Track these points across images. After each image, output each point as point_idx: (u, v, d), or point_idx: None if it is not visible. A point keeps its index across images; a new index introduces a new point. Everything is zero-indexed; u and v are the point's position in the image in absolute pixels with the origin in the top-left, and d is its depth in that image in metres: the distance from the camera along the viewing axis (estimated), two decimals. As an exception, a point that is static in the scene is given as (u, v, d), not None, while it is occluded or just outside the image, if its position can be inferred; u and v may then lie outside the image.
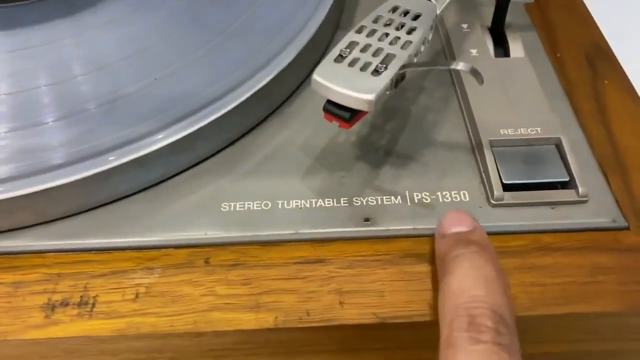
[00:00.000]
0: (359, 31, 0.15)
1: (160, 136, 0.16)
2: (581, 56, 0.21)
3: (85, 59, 0.18)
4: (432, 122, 0.19)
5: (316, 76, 0.14)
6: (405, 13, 0.16)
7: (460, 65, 0.14)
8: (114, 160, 0.16)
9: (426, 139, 0.18)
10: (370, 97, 0.14)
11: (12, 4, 0.20)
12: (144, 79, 0.17)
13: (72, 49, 0.19)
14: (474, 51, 0.20)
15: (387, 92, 0.14)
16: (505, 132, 0.17)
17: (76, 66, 0.18)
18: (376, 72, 0.14)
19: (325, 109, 0.15)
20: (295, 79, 0.19)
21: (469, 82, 0.19)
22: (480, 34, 0.21)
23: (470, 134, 0.18)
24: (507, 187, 0.17)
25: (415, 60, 0.15)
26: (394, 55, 0.14)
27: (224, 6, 0.20)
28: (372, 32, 0.15)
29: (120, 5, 0.20)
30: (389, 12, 0.16)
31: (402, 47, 0.15)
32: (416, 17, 0.16)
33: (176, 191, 0.17)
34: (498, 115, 0.18)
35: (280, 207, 0.17)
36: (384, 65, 0.14)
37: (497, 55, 0.20)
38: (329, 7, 0.20)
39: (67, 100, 0.17)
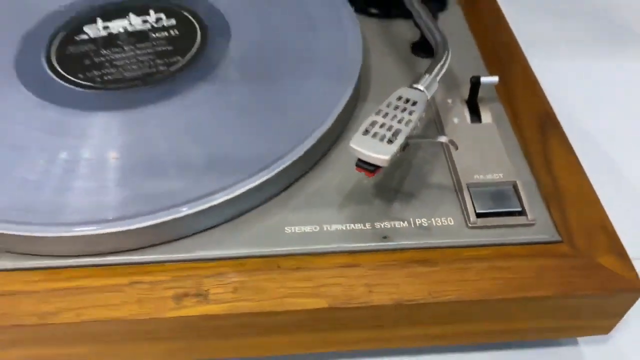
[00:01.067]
0: (377, 113, 0.23)
1: (250, 183, 0.24)
2: (534, 121, 0.29)
3: (181, 131, 0.27)
4: (427, 170, 0.27)
5: (352, 144, 0.22)
6: (407, 100, 0.24)
7: (442, 139, 0.23)
8: (216, 200, 0.23)
9: (423, 182, 0.26)
10: (386, 158, 0.22)
11: (127, 89, 0.28)
12: (230, 143, 0.25)
13: (173, 123, 0.27)
14: (455, 120, 0.28)
15: (397, 155, 0.22)
16: (478, 177, 0.25)
17: (176, 136, 0.26)
18: (389, 141, 0.22)
19: (357, 165, 0.23)
20: (329, 143, 0.27)
21: (452, 145, 0.27)
22: (460, 106, 0.29)
23: (454, 178, 0.26)
24: (479, 215, 0.24)
25: (414, 132, 0.23)
26: (400, 130, 0.22)
27: (277, 89, 0.28)
28: (386, 115, 0.23)
29: (200, 91, 0.28)
30: (397, 99, 0.24)
31: (405, 124, 0.23)
32: (414, 103, 0.24)
33: (254, 219, 0.25)
34: (473, 165, 0.26)
35: (325, 229, 0.24)
36: (395, 137, 0.22)
37: (472, 121, 0.28)
38: (351, 93, 0.28)
39: (177, 160, 0.25)
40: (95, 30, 0.31)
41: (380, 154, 0.22)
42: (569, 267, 0.23)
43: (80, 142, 0.26)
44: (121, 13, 0.32)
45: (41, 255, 0.23)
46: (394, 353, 0.27)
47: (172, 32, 0.31)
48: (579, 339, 0.27)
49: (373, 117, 0.23)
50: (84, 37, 0.31)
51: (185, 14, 0.32)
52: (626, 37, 0.45)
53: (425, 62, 0.31)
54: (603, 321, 0.24)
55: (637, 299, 0.23)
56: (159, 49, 0.30)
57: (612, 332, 0.25)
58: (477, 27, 0.35)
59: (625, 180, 0.34)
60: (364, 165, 0.22)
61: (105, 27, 0.32)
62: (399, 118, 0.23)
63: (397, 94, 0.24)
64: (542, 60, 0.36)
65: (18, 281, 0.23)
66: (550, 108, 0.30)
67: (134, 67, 0.29)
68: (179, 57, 0.30)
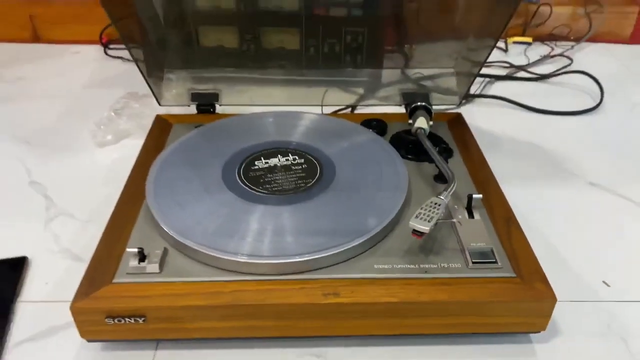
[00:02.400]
0: (421, 208, 0.48)
1: (358, 241, 0.47)
2: (502, 219, 0.53)
3: (317, 216, 0.51)
4: (444, 237, 0.50)
5: (411, 222, 0.46)
6: (435, 203, 0.48)
7: (454, 220, 0.47)
8: (340, 249, 0.47)
9: (444, 245, 0.49)
10: (427, 229, 0.46)
11: (286, 195, 0.53)
12: (342, 221, 0.50)
13: (312, 212, 0.51)
14: (460, 216, 0.52)
15: (432, 228, 0.46)
16: (473, 244, 0.49)
17: (315, 218, 0.50)
18: (428, 221, 0.46)
19: (412, 232, 0.47)
20: (394, 224, 0.51)
21: (463, 231, 0.51)
22: (462, 209, 0.53)
23: (460, 243, 0.49)
24: (474, 262, 0.47)
25: (440, 218, 0.47)
26: (433, 217, 0.47)
27: (366, 195, 0.53)
28: (426, 209, 0.48)
29: (324, 196, 0.53)
30: (431, 202, 0.48)
31: (435, 214, 0.47)
32: (439, 205, 0.48)
33: (359, 260, 0.48)
34: (469, 238, 0.50)
35: (394, 266, 0.47)
36: (431, 220, 0.46)
37: (469, 218, 0.52)
38: (404, 199, 0.52)
39: (318, 229, 0.49)
40: (262, 163, 0.57)
41: (424, 227, 0.46)
42: (517, 288, 0.46)
43: (261, 223, 0.50)
44: (274, 154, 0.58)
45: (256, 274, 0.46)
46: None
47: (303, 166, 0.57)
48: (532, 337, 0.49)
49: (419, 210, 0.48)
50: (256, 167, 0.57)
51: (309, 156, 0.58)
52: (561, 172, 0.71)
53: (441, 186, 0.56)
54: (539, 319, 0.46)
55: (554, 304, 0.45)
56: (298, 174, 0.56)
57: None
58: (470, 166, 0.61)
59: (552, 248, 0.58)
60: (416, 232, 0.46)
61: (266, 162, 0.57)
62: (432, 211, 0.47)
63: (431, 200, 0.49)
64: (509, 187, 0.61)
65: (247, 285, 0.46)
66: (512, 213, 0.54)
67: (287, 184, 0.54)
68: (310, 179, 0.55)
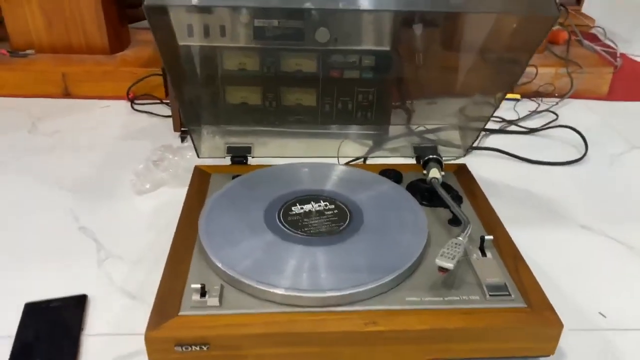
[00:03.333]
0: (444, 247, 0.56)
1: (390, 277, 0.55)
2: (511, 256, 0.61)
3: (350, 255, 0.58)
4: (463, 273, 0.58)
5: (437, 260, 0.54)
6: (456, 244, 0.56)
7: (472, 257, 0.55)
8: (372, 285, 0.54)
9: (464, 279, 0.57)
10: (451, 266, 0.54)
11: (322, 237, 0.61)
12: (372, 259, 0.57)
13: (353, 253, 0.59)
14: (475, 255, 0.60)
15: (455, 265, 0.54)
16: (488, 279, 0.57)
17: (352, 256, 0.58)
18: (452, 259, 0.54)
19: (438, 269, 0.54)
20: (419, 262, 0.59)
21: (478, 268, 0.59)
22: (476, 249, 0.61)
23: (478, 279, 0.57)
24: (490, 295, 0.55)
25: (460, 256, 0.55)
26: (455, 255, 0.55)
27: (393, 236, 0.61)
28: (448, 248, 0.56)
29: (355, 238, 0.61)
30: (451, 242, 0.56)
31: (457, 253, 0.55)
32: (459, 245, 0.56)
33: (390, 295, 0.55)
34: (485, 274, 0.57)
35: (422, 299, 0.55)
36: (454, 258, 0.54)
37: (482, 256, 0.60)
38: (425, 241, 0.60)
39: (356, 265, 0.57)
40: (298, 209, 0.65)
41: (449, 264, 0.54)
42: (528, 316, 0.54)
43: (306, 261, 0.57)
44: (307, 201, 0.66)
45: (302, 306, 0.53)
46: (454, 365, 0.55)
47: (334, 211, 0.65)
48: (542, 362, 0.56)
49: (443, 249, 0.56)
50: (293, 212, 0.65)
51: (339, 203, 0.66)
52: (555, 216, 0.80)
53: (455, 229, 0.65)
54: (547, 344, 0.54)
55: (561, 330, 0.53)
56: (331, 219, 0.64)
57: None
58: (478, 211, 0.69)
59: (551, 282, 0.66)
60: (442, 269, 0.54)
61: (302, 208, 0.65)
62: (454, 250, 0.55)
63: (452, 240, 0.57)
64: (510, 229, 0.69)
65: (298, 315, 0.53)
66: (518, 251, 0.62)
67: (322, 227, 0.62)
68: (342, 223, 0.63)
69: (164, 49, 0.70)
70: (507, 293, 0.56)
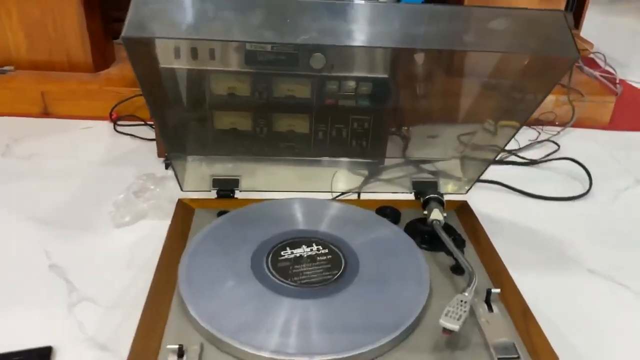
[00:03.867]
0: (449, 306, 0.51)
1: (393, 335, 0.50)
2: (520, 312, 0.56)
3: (342, 310, 0.53)
4: (467, 331, 0.53)
5: (441, 320, 0.49)
6: (462, 301, 0.51)
7: (479, 312, 0.50)
8: (376, 342, 0.49)
9: (470, 339, 0.52)
10: (457, 327, 0.49)
11: (314, 288, 0.55)
12: (370, 315, 0.52)
13: (340, 306, 0.54)
14: (480, 309, 0.55)
15: (460, 327, 0.49)
16: (496, 339, 0.52)
17: (342, 312, 0.53)
18: (458, 320, 0.49)
19: (442, 330, 0.49)
20: (421, 316, 0.54)
21: (485, 325, 0.54)
22: (482, 302, 0.56)
23: (485, 338, 0.52)
24: (499, 358, 0.50)
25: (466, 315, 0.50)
26: (462, 315, 0.50)
27: (391, 287, 0.56)
28: (453, 307, 0.51)
29: (350, 290, 0.55)
30: (457, 300, 0.51)
31: (463, 312, 0.50)
32: (465, 302, 0.51)
33: (389, 354, 0.50)
34: (492, 334, 0.52)
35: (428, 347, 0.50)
36: (460, 318, 0.49)
37: (489, 311, 0.55)
38: (427, 295, 0.55)
39: (349, 325, 0.51)
40: (288, 253, 0.60)
41: (455, 326, 0.49)
42: (542, 384, 0.49)
43: (288, 320, 0.52)
44: (298, 244, 0.61)
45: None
46: None
47: (327, 257, 0.60)
48: None
49: (448, 308, 0.51)
50: (283, 257, 0.59)
51: (333, 247, 0.61)
52: (561, 259, 0.75)
53: (459, 278, 0.60)
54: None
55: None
56: (324, 266, 0.58)
57: None
58: (482, 257, 0.64)
59: (559, 334, 0.61)
60: (446, 330, 0.49)
61: (292, 252, 0.60)
62: (460, 309, 0.50)
63: (456, 297, 0.52)
64: (514, 274, 0.64)
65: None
66: (527, 305, 0.57)
67: (314, 276, 0.57)
68: (336, 271, 0.58)
69: (143, 74, 0.65)
70: (517, 356, 0.50)
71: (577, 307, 0.67)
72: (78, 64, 1.12)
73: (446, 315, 0.50)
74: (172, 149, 0.75)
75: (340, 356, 0.48)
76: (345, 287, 0.56)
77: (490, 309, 0.56)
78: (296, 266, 0.58)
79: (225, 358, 0.49)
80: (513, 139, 1.10)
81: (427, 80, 0.87)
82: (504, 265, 0.63)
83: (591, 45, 1.56)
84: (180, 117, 0.82)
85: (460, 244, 0.65)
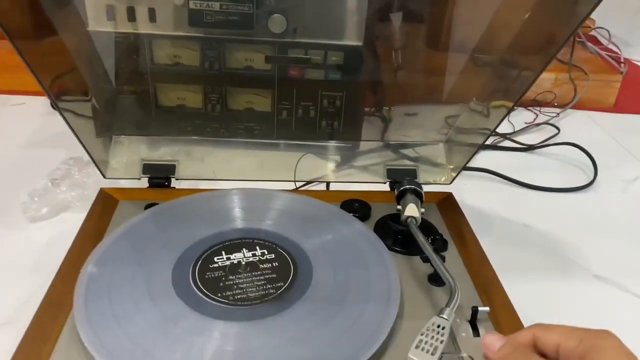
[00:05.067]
0: (422, 334, 0.38)
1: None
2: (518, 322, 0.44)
3: (289, 336, 0.41)
4: (448, 369, 0.41)
5: (410, 354, 0.37)
6: (439, 325, 0.39)
7: (463, 354, 0.38)
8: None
9: (447, 377, 0.40)
10: None
11: (251, 305, 0.43)
12: (326, 344, 0.40)
13: (284, 330, 0.41)
14: (463, 334, 0.43)
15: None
16: None
17: (287, 340, 0.40)
18: (432, 354, 0.37)
19: None
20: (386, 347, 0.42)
21: (464, 345, 0.41)
22: (464, 322, 0.44)
23: (467, 376, 0.40)
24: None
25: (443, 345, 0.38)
26: (437, 347, 0.37)
27: (348, 306, 0.43)
28: (427, 335, 0.38)
29: (300, 308, 0.43)
30: (432, 325, 0.39)
31: (440, 342, 0.38)
32: (443, 327, 0.39)
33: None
34: (478, 367, 0.40)
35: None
36: (435, 351, 0.37)
37: (474, 336, 0.43)
38: (396, 315, 0.43)
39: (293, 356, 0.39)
40: (223, 259, 0.47)
41: None
42: None
43: (217, 342, 0.40)
44: (238, 248, 0.49)
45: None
46: None
47: (273, 263, 0.47)
48: None
49: (420, 337, 0.38)
50: (216, 264, 0.47)
51: (281, 250, 0.49)
52: (562, 263, 0.63)
53: (437, 292, 0.48)
54: None
55: None
56: (267, 275, 0.46)
57: None
58: (468, 262, 0.52)
59: None
60: None
61: (228, 258, 0.47)
62: (435, 338, 0.38)
63: (432, 321, 0.40)
64: (507, 281, 0.52)
65: None
66: (522, 325, 0.45)
67: (252, 289, 0.44)
68: (282, 282, 0.45)
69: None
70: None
71: (583, 321, 0.55)
72: (13, 29, 0.97)
73: (417, 347, 0.38)
74: (97, 126, 0.62)
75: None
76: (291, 305, 0.43)
77: (475, 332, 0.44)
78: (231, 277, 0.46)
79: (123, 403, 0.36)
80: (507, 122, 0.98)
81: (408, 51, 0.75)
82: (494, 274, 0.51)
83: (593, 22, 1.43)
84: (111, 90, 0.68)
85: (441, 246, 0.53)
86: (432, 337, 0.38)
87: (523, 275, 0.60)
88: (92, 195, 0.65)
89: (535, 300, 0.54)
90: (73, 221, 0.63)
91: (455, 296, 0.42)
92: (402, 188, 0.55)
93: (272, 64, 0.72)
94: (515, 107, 1.01)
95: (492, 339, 0.36)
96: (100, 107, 0.65)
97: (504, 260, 0.54)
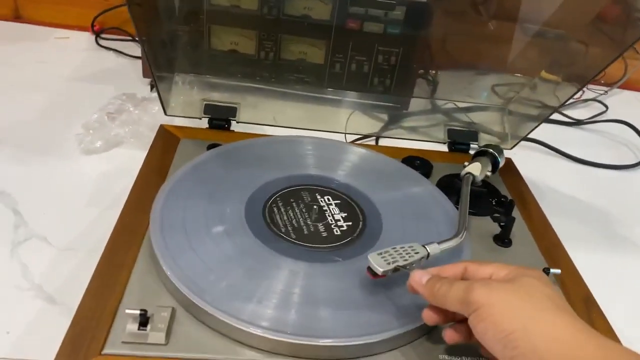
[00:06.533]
0: (393, 248, 0.38)
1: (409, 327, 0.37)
2: (580, 300, 0.44)
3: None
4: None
5: (368, 256, 0.37)
6: (414, 249, 0.38)
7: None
8: (399, 328, 0.37)
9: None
10: (381, 270, 0.36)
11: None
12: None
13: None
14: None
15: (389, 273, 0.37)
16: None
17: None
18: (388, 264, 0.37)
19: (367, 269, 0.37)
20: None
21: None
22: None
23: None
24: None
25: (407, 268, 0.37)
26: (397, 261, 0.37)
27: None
28: (397, 251, 0.38)
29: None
30: (409, 246, 0.39)
31: (402, 260, 0.37)
32: (416, 253, 0.38)
33: (420, 347, 0.38)
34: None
35: (462, 358, 0.38)
36: (392, 264, 0.37)
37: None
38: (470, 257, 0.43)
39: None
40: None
41: (380, 267, 0.37)
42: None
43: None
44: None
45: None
46: None
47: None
48: None
49: (389, 249, 0.39)
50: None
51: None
52: (617, 238, 0.63)
53: (502, 251, 0.47)
54: None
55: None
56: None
57: None
58: (532, 227, 0.52)
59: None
60: (370, 271, 0.37)
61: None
62: (402, 256, 0.38)
63: (412, 244, 0.40)
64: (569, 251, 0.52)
65: None
66: (590, 292, 0.45)
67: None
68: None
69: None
70: None
71: (634, 295, 0.55)
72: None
73: (379, 254, 0.38)
74: (157, 64, 0.61)
75: (353, 342, 0.36)
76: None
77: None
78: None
79: (202, 330, 0.37)
80: (553, 95, 0.96)
81: (472, 15, 0.73)
82: (558, 239, 0.51)
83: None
84: (169, 29, 0.67)
85: (507, 208, 0.52)
86: (400, 254, 0.38)
87: (572, 247, 0.60)
88: (146, 133, 0.65)
89: (589, 272, 0.54)
90: (126, 156, 0.64)
91: (453, 241, 0.42)
92: (482, 149, 0.55)
93: (332, 15, 0.70)
94: (560, 82, 1.00)
95: (419, 273, 0.36)
96: (159, 44, 0.64)
97: (556, 230, 0.53)
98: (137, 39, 0.89)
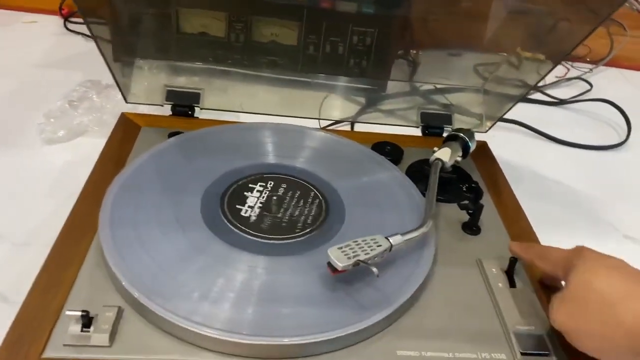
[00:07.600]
0: (354, 242, 0.37)
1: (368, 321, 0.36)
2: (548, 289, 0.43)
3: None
4: (482, 314, 0.40)
5: (328, 251, 0.36)
6: (376, 242, 0.37)
7: (374, 270, 0.36)
8: (359, 324, 0.35)
9: (480, 328, 0.39)
10: (341, 265, 0.35)
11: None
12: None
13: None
14: (500, 284, 0.42)
15: (349, 267, 0.35)
16: (519, 327, 0.38)
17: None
18: (349, 258, 0.35)
19: (327, 264, 0.36)
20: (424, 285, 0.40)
21: (500, 296, 0.40)
22: (501, 273, 0.43)
23: (505, 325, 0.39)
24: (522, 354, 0.37)
25: (368, 262, 0.36)
26: (358, 255, 0.35)
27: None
28: (358, 244, 0.36)
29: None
30: (371, 239, 0.37)
31: (364, 254, 0.36)
32: (379, 246, 0.37)
33: (379, 342, 0.37)
34: (514, 317, 0.39)
35: (421, 354, 0.36)
36: (353, 258, 0.35)
37: (510, 286, 0.42)
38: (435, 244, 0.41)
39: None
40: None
41: (340, 262, 0.35)
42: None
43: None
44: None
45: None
46: None
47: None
48: None
49: (350, 242, 0.37)
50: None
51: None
52: (593, 221, 0.62)
53: (469, 239, 0.46)
54: None
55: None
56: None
57: None
58: (503, 213, 0.50)
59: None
60: (330, 266, 0.36)
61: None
62: (363, 249, 0.37)
63: (373, 236, 0.38)
64: (548, 235, 0.50)
65: None
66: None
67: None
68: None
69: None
70: (546, 352, 0.37)
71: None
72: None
73: (340, 248, 0.37)
74: (116, 48, 0.58)
75: (312, 340, 0.35)
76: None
77: (512, 284, 0.42)
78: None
79: (153, 330, 0.35)
80: (537, 74, 0.94)
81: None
82: (530, 225, 0.49)
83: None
84: (133, 14, 0.64)
85: (475, 194, 0.51)
86: (362, 247, 0.37)
87: (552, 231, 0.58)
88: (110, 120, 0.62)
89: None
90: (89, 146, 0.61)
91: (417, 231, 0.40)
92: (452, 132, 0.53)
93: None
94: (544, 60, 0.97)
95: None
96: (122, 28, 0.62)
97: (532, 215, 0.52)
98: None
